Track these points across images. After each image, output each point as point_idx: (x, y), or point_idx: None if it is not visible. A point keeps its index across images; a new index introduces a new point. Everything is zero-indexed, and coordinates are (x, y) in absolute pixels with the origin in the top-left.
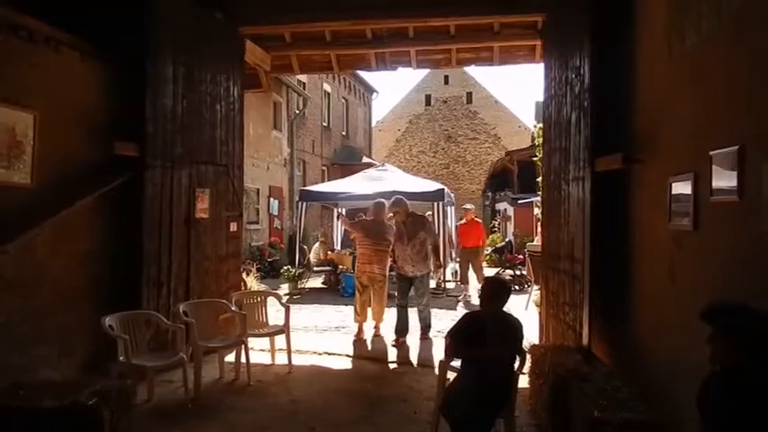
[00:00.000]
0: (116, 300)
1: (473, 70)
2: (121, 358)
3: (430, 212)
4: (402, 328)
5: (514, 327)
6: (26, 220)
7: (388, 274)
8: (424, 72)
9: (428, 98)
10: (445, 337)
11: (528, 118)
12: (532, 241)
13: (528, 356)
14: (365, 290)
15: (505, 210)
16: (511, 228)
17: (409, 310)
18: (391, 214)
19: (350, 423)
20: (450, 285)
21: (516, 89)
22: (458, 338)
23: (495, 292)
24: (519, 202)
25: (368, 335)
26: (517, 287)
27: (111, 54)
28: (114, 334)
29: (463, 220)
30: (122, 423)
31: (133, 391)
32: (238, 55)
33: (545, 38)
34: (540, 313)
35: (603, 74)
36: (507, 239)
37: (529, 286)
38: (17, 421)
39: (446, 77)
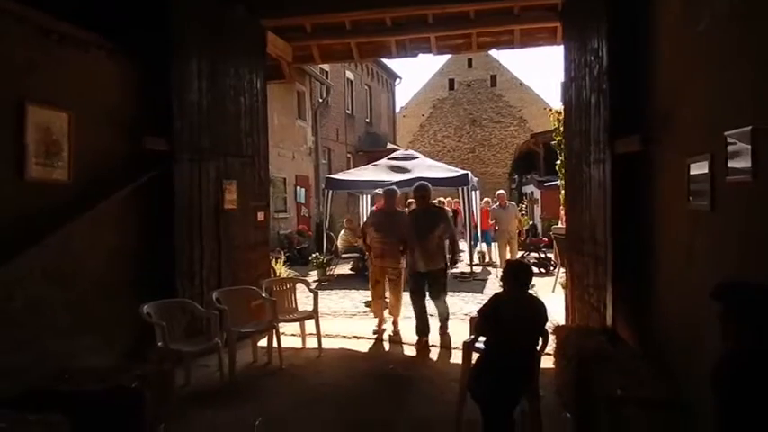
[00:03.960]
0: (152, 289)
1: (496, 53)
2: (160, 344)
3: (453, 198)
4: (422, 328)
5: (536, 308)
6: (65, 215)
7: (402, 266)
8: (446, 56)
9: (452, 82)
10: (472, 318)
11: (554, 99)
12: (558, 224)
13: (553, 337)
14: (377, 284)
15: (532, 193)
16: (538, 210)
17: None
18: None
19: (377, 404)
20: (478, 269)
21: (541, 70)
22: (484, 318)
23: (516, 273)
24: (545, 184)
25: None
26: (542, 270)
27: (137, 52)
28: (152, 321)
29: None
30: (163, 405)
31: (172, 375)
32: (260, 47)
33: (565, 20)
34: (565, 295)
35: (622, 56)
36: (531, 223)
37: (554, 268)
38: (64, 404)
39: (469, 61)
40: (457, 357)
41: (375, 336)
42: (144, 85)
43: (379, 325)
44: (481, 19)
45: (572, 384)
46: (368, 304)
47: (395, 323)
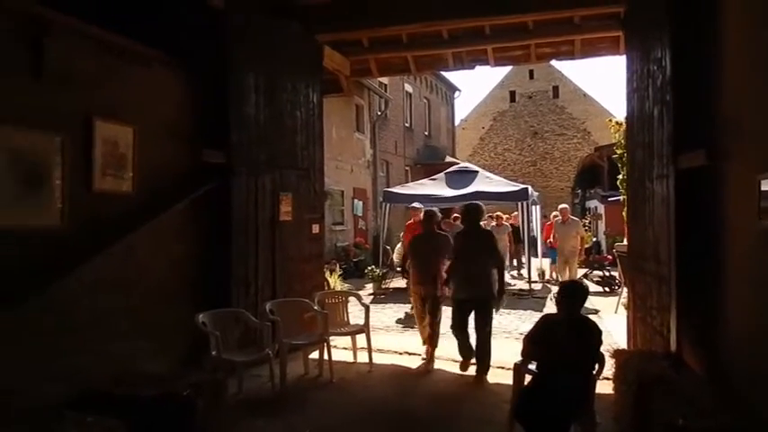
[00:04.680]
0: (209, 298)
1: (559, 63)
2: (213, 353)
3: (513, 213)
4: (466, 353)
5: (591, 330)
6: (128, 225)
7: (441, 293)
8: (507, 68)
9: (512, 94)
10: (522, 340)
11: (620, 111)
12: (623, 241)
13: (612, 361)
14: (418, 311)
15: (596, 208)
16: (602, 226)
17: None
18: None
19: (426, 423)
20: (537, 287)
21: (606, 81)
22: (533, 341)
23: (570, 294)
24: (609, 199)
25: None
26: (606, 289)
27: (196, 67)
28: (206, 330)
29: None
30: (214, 413)
31: (224, 383)
32: (316, 62)
33: (627, 29)
34: (627, 317)
35: (686, 65)
36: (595, 239)
37: (619, 288)
38: (120, 407)
39: (531, 72)
40: (509, 377)
41: (424, 361)
42: (203, 100)
43: (426, 355)
44: (540, 29)
45: (631, 411)
46: (399, 321)
47: (429, 355)
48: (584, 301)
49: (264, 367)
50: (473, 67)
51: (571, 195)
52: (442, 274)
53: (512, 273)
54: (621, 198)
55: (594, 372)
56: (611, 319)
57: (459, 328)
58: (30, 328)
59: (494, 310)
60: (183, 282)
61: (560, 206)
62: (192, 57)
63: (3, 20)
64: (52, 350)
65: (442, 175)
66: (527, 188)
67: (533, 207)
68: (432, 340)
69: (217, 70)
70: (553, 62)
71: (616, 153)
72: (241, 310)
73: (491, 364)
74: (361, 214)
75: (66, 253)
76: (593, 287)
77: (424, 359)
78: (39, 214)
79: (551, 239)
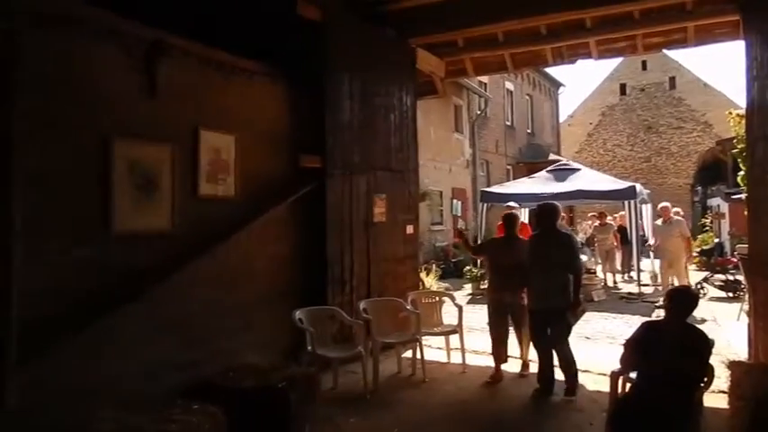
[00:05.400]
0: (307, 295)
1: (675, 52)
2: (309, 349)
3: (619, 213)
4: (540, 375)
5: (699, 340)
6: (232, 228)
7: (520, 300)
8: (616, 61)
9: (623, 87)
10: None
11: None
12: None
13: (728, 374)
14: (495, 322)
15: (718, 206)
16: (725, 226)
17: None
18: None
19: (519, 429)
20: (648, 290)
21: (730, 69)
22: (633, 348)
23: (678, 301)
24: (733, 197)
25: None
26: (730, 294)
27: (293, 75)
28: (303, 327)
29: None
30: (307, 406)
31: (317, 378)
32: (410, 65)
33: (745, 12)
34: (748, 325)
35: None
36: (717, 240)
37: (744, 293)
38: (226, 399)
39: (643, 63)
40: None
41: (489, 382)
42: (300, 107)
43: (496, 369)
44: (647, 18)
45: (747, 429)
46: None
47: (524, 363)
48: (692, 309)
49: (360, 364)
50: (574, 62)
51: (690, 193)
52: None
53: (623, 276)
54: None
55: (703, 385)
56: (732, 328)
57: (534, 342)
58: (153, 322)
59: (570, 322)
60: (283, 280)
61: (661, 204)
62: (289, 67)
63: (120, 46)
64: (172, 343)
65: (542, 173)
66: (634, 186)
67: (643, 206)
68: (522, 348)
69: (313, 79)
70: (668, 51)
71: (736, 148)
72: (335, 308)
73: (588, 369)
74: (459, 214)
75: (176, 253)
76: (714, 292)
77: (490, 380)
78: (153, 218)
79: (650, 241)
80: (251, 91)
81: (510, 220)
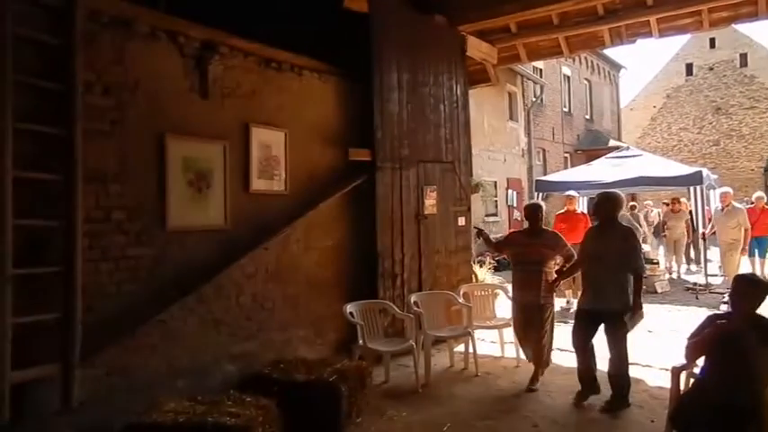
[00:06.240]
0: (358, 288)
1: (745, 26)
2: (360, 342)
3: (685, 198)
4: (588, 379)
5: None
6: (283, 222)
7: (549, 301)
8: (681, 40)
9: (689, 67)
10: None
11: None
12: None
13: None
14: (519, 323)
15: None
16: None
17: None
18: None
19: (576, 425)
20: (717, 281)
21: None
22: (697, 343)
23: (744, 291)
24: None
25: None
26: None
27: (341, 69)
28: (353, 321)
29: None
30: (358, 399)
31: (368, 371)
32: (460, 54)
33: None
34: None
35: None
36: None
37: None
38: (278, 391)
39: (711, 40)
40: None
41: (530, 391)
42: (348, 100)
43: (535, 375)
44: None
45: None
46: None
47: (534, 376)
48: (760, 299)
49: (411, 358)
50: (634, 42)
51: (764, 177)
52: (549, 277)
53: (688, 266)
54: None
55: None
56: None
57: (576, 345)
58: (207, 316)
59: (627, 327)
60: (333, 274)
61: (721, 190)
62: (338, 61)
63: (173, 46)
64: (225, 336)
65: (600, 160)
66: (700, 171)
67: (711, 192)
68: (538, 359)
69: (361, 72)
70: (739, 27)
71: None
72: (386, 302)
73: (649, 364)
74: (515, 205)
75: (229, 248)
76: None
77: (531, 388)
78: (207, 214)
79: (706, 230)
80: (300, 86)
81: (533, 210)
